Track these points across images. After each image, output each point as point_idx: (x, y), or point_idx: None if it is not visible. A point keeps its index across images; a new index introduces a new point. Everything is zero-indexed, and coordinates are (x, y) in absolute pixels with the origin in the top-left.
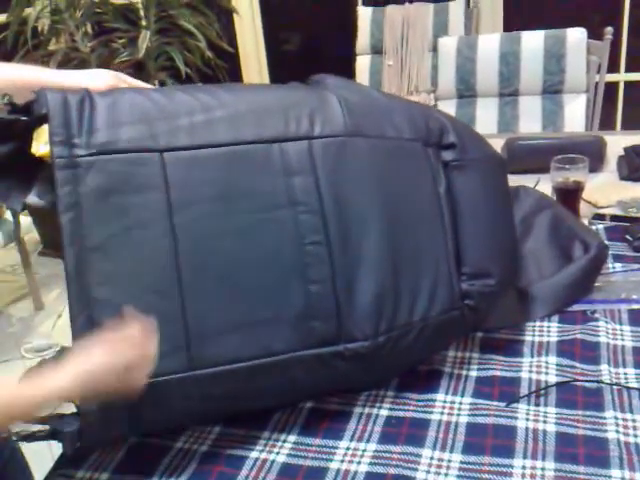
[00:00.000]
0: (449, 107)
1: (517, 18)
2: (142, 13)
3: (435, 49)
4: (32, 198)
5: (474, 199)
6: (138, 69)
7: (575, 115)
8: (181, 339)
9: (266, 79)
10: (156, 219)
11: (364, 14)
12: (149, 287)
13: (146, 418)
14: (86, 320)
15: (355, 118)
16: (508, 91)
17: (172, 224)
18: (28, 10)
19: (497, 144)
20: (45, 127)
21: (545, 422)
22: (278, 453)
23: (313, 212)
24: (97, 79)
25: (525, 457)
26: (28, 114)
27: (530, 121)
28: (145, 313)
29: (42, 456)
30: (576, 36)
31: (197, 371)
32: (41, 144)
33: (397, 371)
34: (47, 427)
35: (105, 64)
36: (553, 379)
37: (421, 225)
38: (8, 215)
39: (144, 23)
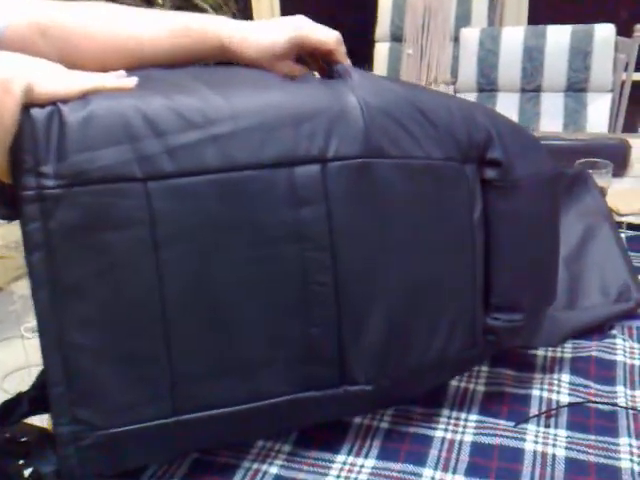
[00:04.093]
0: None
1: (543, 11)
2: None
3: (456, 39)
4: None
5: (514, 225)
6: None
7: (598, 115)
8: (165, 384)
9: None
10: (140, 256)
11: (385, 0)
12: (131, 330)
13: (129, 459)
14: (62, 368)
15: (379, 131)
16: (530, 87)
17: (158, 261)
18: None
19: None
20: None
21: (555, 446)
22: (271, 464)
23: (322, 249)
24: (279, 33)
25: None
26: None
27: (552, 119)
28: (126, 358)
29: None
30: (604, 32)
31: (181, 416)
32: None
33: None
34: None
35: None
36: (565, 399)
37: (446, 256)
38: None
39: (160, 1)
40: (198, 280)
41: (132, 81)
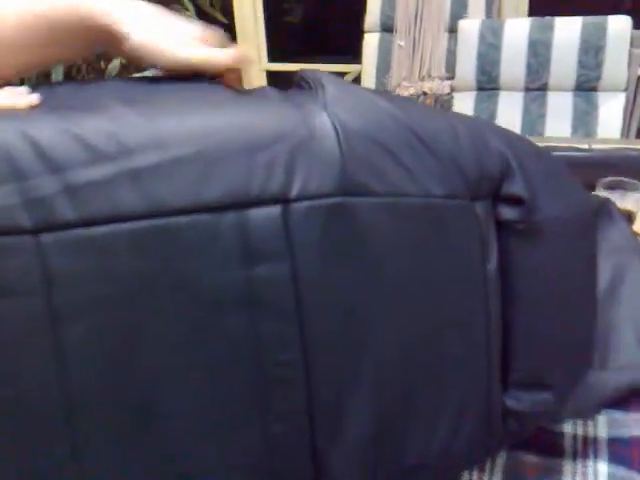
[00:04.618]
0: (467, 100)
1: (545, 0)
2: None
3: (452, 30)
4: None
5: (540, 280)
6: None
7: (611, 117)
8: None
9: (264, 55)
10: (32, 336)
11: None
12: (23, 440)
13: None
14: None
15: (360, 162)
16: (536, 85)
17: (57, 341)
18: None
19: None
20: None
21: None
22: None
23: (285, 318)
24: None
25: None
26: None
27: (559, 121)
28: (20, 476)
29: None
30: (619, 25)
31: None
32: None
33: None
34: None
35: None
36: None
37: (451, 319)
38: None
39: None
40: (115, 365)
41: (30, 99)
